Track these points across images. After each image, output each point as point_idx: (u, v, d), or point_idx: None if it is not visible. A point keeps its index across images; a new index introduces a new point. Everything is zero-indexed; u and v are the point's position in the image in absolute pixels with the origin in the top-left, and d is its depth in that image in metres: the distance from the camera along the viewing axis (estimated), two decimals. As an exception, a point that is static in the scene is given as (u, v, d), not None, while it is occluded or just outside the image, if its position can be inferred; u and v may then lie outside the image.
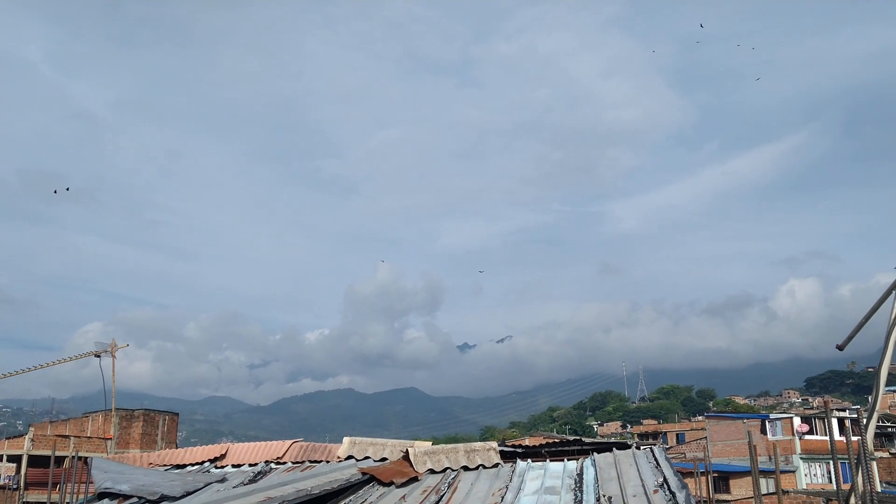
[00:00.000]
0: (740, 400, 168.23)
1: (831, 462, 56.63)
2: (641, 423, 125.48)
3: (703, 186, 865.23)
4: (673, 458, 57.13)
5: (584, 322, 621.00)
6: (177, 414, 57.07)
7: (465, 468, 15.61)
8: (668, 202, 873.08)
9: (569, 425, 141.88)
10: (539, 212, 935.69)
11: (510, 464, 15.78)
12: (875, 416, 15.07)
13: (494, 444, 16.48)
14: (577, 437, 26.35)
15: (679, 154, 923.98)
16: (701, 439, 67.38)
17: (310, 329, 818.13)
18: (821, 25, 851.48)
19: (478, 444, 16.43)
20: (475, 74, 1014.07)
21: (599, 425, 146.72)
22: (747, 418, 63.42)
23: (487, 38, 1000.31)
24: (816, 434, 57.84)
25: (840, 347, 16.77)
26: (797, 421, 57.78)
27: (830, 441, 17.49)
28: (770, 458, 49.55)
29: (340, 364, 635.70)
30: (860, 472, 14.57)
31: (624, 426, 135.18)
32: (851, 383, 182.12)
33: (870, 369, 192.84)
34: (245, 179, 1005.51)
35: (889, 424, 68.31)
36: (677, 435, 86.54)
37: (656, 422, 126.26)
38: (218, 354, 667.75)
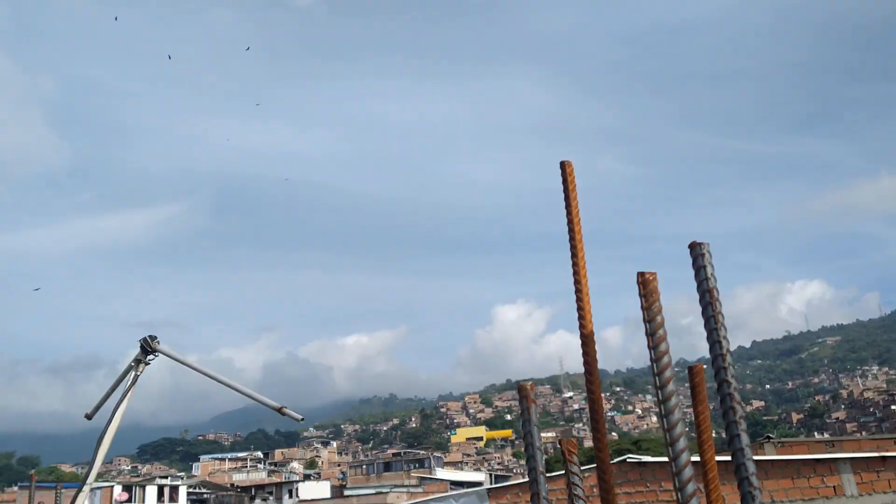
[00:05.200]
0: (67, 467, 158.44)
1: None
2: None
3: (70, 237, 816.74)
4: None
5: None
6: None
7: None
8: (26, 247, 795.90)
9: None
10: None
11: None
12: (87, 486, 15.58)
13: None
14: None
15: (47, 197, 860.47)
16: (9, 513, 60.42)
17: None
18: (207, 110, 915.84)
19: None
20: None
21: None
22: (66, 487, 59.49)
23: None
24: (135, 502, 57.62)
25: (88, 417, 16.96)
26: (118, 489, 56.75)
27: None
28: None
29: None
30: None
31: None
32: (181, 450, 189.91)
33: (200, 437, 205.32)
34: None
35: (205, 491, 72.59)
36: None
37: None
38: None
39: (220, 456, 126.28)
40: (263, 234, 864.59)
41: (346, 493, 76.79)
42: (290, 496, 76.79)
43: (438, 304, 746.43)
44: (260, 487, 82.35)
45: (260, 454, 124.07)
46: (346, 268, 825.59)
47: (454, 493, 22.02)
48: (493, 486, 22.25)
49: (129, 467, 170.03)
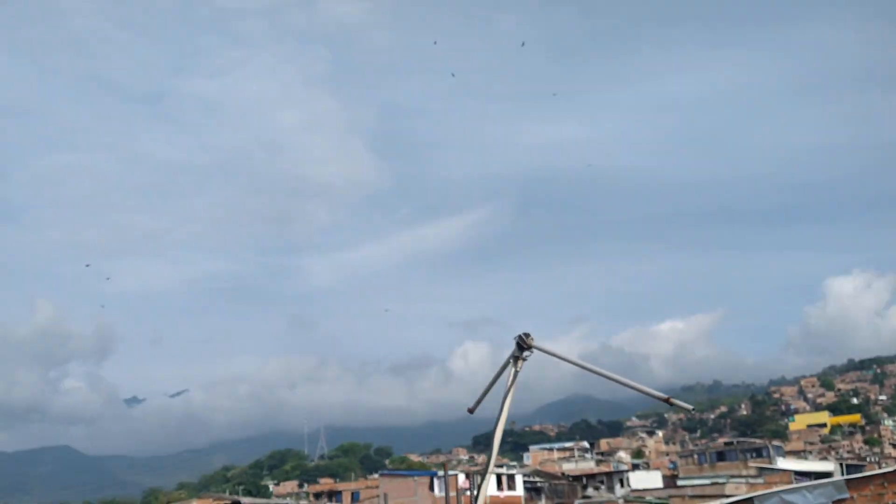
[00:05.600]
0: (415, 457, 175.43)
1: (489, 516, 60.76)
2: (318, 482, 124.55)
3: (394, 249, 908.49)
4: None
5: (269, 377, 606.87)
6: None
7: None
8: (361, 261, 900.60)
9: (243, 485, 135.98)
10: (229, 259, 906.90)
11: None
12: (489, 475, 16.20)
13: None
14: (238, 499, 24.83)
15: (374, 215, 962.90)
16: (375, 497, 68.35)
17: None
18: (503, 116, 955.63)
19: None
20: (169, 108, 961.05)
21: (276, 485, 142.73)
22: (418, 475, 65.86)
23: (187, 72, 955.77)
24: (476, 489, 61.69)
25: (470, 411, 17.85)
26: (461, 478, 61.22)
27: (446, 497, 18.26)
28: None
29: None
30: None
31: (301, 485, 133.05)
32: (511, 441, 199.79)
33: (527, 428, 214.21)
34: None
35: (538, 480, 75.46)
36: (352, 493, 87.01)
37: (333, 480, 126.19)
38: None
39: (547, 446, 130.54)
40: (566, 227, 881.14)
41: (679, 482, 74.80)
42: (622, 485, 76.78)
43: (758, 282, 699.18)
44: (590, 477, 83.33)
45: (586, 444, 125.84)
46: (653, 253, 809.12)
47: (806, 484, 20.29)
48: (852, 476, 20.15)
49: (466, 457, 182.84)
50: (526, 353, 15.32)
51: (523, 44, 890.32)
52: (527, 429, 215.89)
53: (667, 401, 13.80)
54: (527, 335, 15.24)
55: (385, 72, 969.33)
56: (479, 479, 66.08)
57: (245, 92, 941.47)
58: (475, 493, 15.70)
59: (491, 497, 60.30)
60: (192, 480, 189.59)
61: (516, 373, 15.40)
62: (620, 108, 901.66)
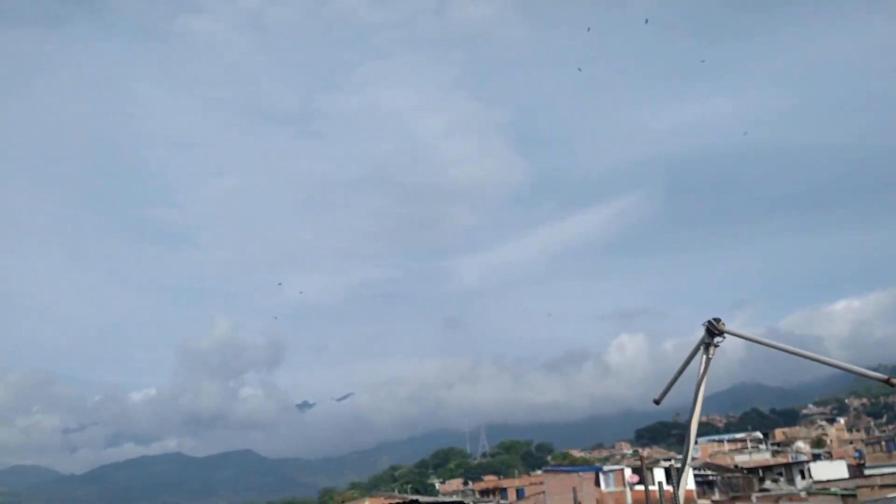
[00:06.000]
0: (577, 453, 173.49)
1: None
2: (483, 480, 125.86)
3: (540, 245, 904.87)
4: (512, 513, 57.35)
5: (426, 378, 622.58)
6: (-30, 487, 50.10)
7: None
8: (508, 259, 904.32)
9: (410, 484, 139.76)
10: (382, 266, 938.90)
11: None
12: (688, 467, 15.50)
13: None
14: (414, 498, 25.34)
15: (518, 213, 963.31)
16: (540, 493, 68.07)
17: (135, 388, 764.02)
18: (643, 100, 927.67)
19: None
20: (317, 126, 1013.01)
21: (441, 483, 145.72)
22: (583, 471, 64.88)
23: (330, 90, 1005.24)
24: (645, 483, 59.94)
25: (657, 402, 17.15)
26: (628, 472, 59.71)
27: (646, 490, 17.62)
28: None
29: (168, 426, 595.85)
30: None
31: (466, 483, 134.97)
32: (676, 433, 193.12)
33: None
34: (63, 227, 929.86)
35: (710, 473, 72.31)
36: (517, 490, 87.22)
37: (497, 477, 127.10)
38: (27, 418, 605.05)
39: (716, 437, 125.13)
40: (719, 208, 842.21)
41: (867, 471, 69.47)
42: (802, 477, 72.14)
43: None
44: (767, 469, 79.23)
45: (759, 434, 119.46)
46: (821, 227, 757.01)
47: None
48: None
49: (630, 451, 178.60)
50: (717, 339, 14.61)
51: (647, 21, 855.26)
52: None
53: (887, 381, 12.73)
54: (717, 320, 14.52)
55: (520, 68, 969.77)
56: (644, 471, 64.43)
57: (386, 103, 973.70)
58: (675, 488, 15.07)
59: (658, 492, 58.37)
60: (362, 480, 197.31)
61: (708, 360, 14.76)
62: (771, 79, 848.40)
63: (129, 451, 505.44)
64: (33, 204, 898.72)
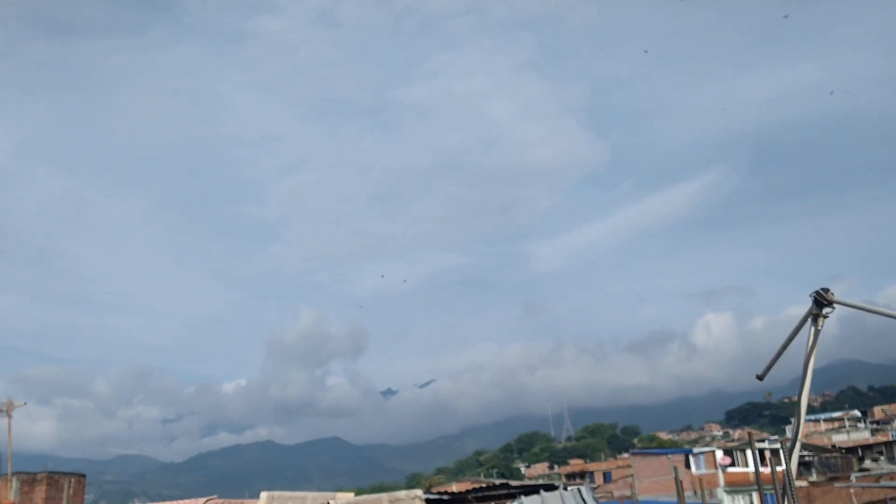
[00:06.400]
0: (664, 435, 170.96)
1: (755, 494, 57.57)
2: (568, 463, 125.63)
3: (619, 225, 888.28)
4: (600, 496, 57.22)
5: (508, 363, 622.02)
6: (83, 475, 53.21)
7: (388, 519, 14.69)
8: (587, 241, 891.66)
9: (496, 468, 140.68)
10: (460, 253, 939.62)
11: (434, 512, 14.94)
12: (798, 443, 15.03)
13: (419, 492, 15.63)
14: (504, 481, 25.65)
15: (595, 193, 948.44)
16: (628, 476, 67.57)
17: (226, 380, 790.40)
18: (724, 70, 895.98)
19: (402, 493, 15.57)
20: (390, 117, 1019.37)
21: (527, 467, 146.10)
22: (671, 453, 64.03)
23: (402, 81, 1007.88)
24: (738, 466, 58.72)
25: (760, 377, 16.78)
26: (720, 454, 58.62)
27: (756, 472, 17.35)
28: (696, 493, 49.84)
29: (259, 415, 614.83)
30: (786, 499, 14.52)
31: (551, 467, 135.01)
32: (769, 414, 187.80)
33: (785, 400, 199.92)
34: (157, 226, 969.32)
35: (806, 454, 70.16)
36: (604, 473, 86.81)
37: (583, 461, 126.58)
38: (128, 410, 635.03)
39: (812, 417, 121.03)
40: (810, 179, 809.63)
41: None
42: (905, 457, 69.20)
43: None
44: (866, 448, 76.43)
45: (857, 412, 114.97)
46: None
47: None
48: None
49: (720, 433, 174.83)
50: (826, 311, 14.21)
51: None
52: (785, 400, 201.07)
53: None
54: (825, 290, 14.08)
55: (592, 46, 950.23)
56: (737, 453, 63.15)
57: (457, 90, 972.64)
58: (788, 466, 14.73)
59: (739, 472, 57.10)
60: (448, 465, 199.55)
61: (817, 332, 14.32)
62: (863, 39, 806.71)
63: (224, 439, 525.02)
64: (128, 207, 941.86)
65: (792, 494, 13.87)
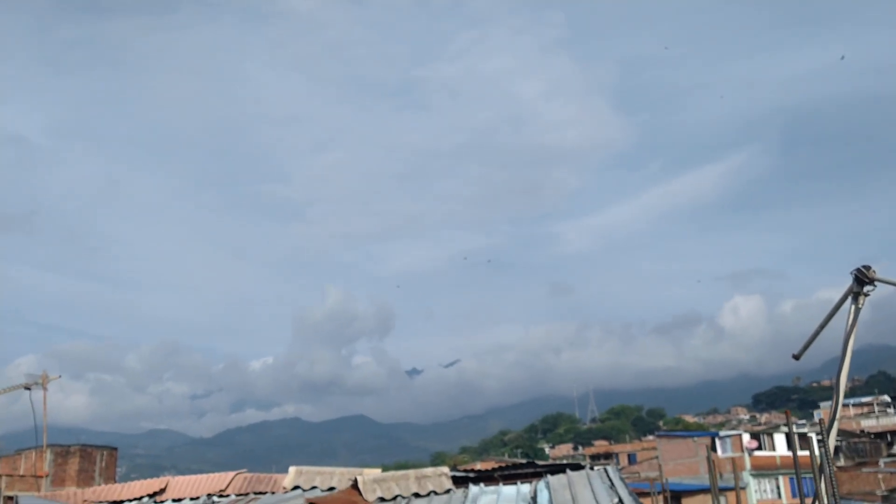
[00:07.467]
0: (690, 418, 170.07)
1: (781, 478, 57.14)
2: (593, 445, 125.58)
3: (646, 206, 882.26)
4: (626, 478, 57.08)
5: (533, 344, 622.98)
6: (115, 449, 54.36)
7: (416, 495, 14.72)
8: (613, 222, 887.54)
9: (520, 448, 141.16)
10: (485, 233, 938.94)
11: (462, 489, 14.95)
12: (836, 424, 14.81)
13: (446, 470, 15.62)
14: (530, 460, 25.64)
15: (622, 174, 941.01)
16: (653, 458, 67.34)
17: (254, 357, 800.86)
18: (753, 48, 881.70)
19: (429, 470, 15.57)
20: (417, 97, 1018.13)
21: (551, 448, 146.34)
22: (698, 436, 63.67)
23: (429, 60, 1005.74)
24: (765, 450, 58.24)
25: (796, 357, 16.54)
26: (746, 437, 58.16)
27: (794, 455, 17.10)
28: (721, 476, 49.50)
29: (286, 393, 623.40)
30: (823, 480, 14.34)
31: (576, 448, 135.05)
32: (797, 398, 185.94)
33: (814, 384, 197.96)
34: (186, 205, 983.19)
35: (837, 438, 69.37)
36: (629, 455, 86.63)
37: (608, 442, 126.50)
38: (158, 386, 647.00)
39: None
40: (843, 160, 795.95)
41: None
42: (938, 443, 68.17)
43: None
44: (895, 433, 75.48)
45: (887, 398, 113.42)
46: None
47: None
48: None
49: (746, 416, 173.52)
50: (867, 288, 13.90)
51: None
52: (814, 384, 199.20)
53: None
54: (867, 268, 13.82)
55: (621, 25, 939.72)
56: (764, 437, 62.68)
57: (484, 70, 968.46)
58: (826, 447, 14.54)
59: (782, 457, 56.62)
60: (473, 444, 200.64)
61: (857, 311, 14.06)
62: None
63: (251, 416, 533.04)
64: (158, 185, 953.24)
65: (831, 475, 13.67)
